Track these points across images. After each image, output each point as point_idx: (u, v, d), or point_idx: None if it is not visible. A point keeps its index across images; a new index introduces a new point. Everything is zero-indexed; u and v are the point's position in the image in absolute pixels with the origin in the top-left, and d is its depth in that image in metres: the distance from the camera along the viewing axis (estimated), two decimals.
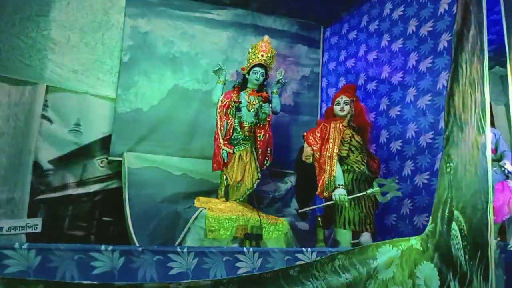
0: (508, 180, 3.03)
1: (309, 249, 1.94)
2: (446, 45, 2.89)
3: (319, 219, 2.97)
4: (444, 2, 2.96)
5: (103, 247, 1.65)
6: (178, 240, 2.83)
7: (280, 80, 3.39)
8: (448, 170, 2.05)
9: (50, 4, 3.56)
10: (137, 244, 2.95)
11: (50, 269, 1.54)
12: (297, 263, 1.88)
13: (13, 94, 3.34)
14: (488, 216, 1.82)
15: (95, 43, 3.70)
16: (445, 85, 2.78)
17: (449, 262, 1.91)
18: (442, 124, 2.74)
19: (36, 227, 3.33)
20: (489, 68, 2.00)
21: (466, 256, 1.85)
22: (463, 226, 1.90)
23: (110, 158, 3.61)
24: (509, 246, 2.29)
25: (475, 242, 1.83)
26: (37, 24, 3.48)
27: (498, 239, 2.61)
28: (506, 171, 3.05)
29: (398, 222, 3.05)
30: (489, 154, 1.90)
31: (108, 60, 3.73)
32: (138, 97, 3.75)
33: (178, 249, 1.75)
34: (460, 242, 1.89)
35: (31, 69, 3.41)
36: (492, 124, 2.98)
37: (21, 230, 3.23)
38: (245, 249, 1.86)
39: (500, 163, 3.10)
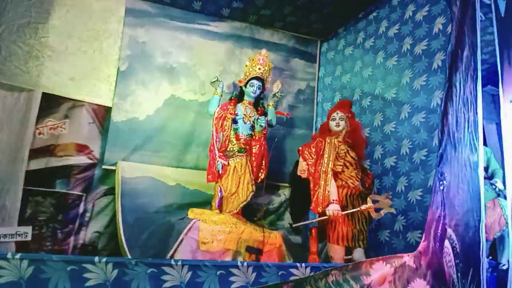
0: (499, 198, 3.07)
1: (303, 264, 1.94)
2: (440, 64, 2.94)
3: (312, 231, 2.97)
4: (439, 22, 3.02)
5: (96, 258, 1.64)
6: (171, 252, 2.81)
7: (277, 94, 3.42)
8: (441, 187, 2.08)
9: (49, 11, 3.56)
10: (129, 255, 2.92)
11: (42, 280, 1.52)
12: (291, 278, 1.88)
13: (8, 100, 3.32)
14: (481, 234, 1.84)
15: (93, 51, 3.70)
16: (439, 103, 2.83)
17: (442, 280, 1.92)
18: (436, 141, 2.77)
19: (26, 235, 3.29)
20: (481, 87, 2.04)
21: (459, 274, 1.87)
22: (455, 244, 1.92)
23: (104, 167, 3.59)
24: (501, 265, 2.31)
25: (468, 260, 1.85)
26: (35, 31, 3.49)
27: (490, 257, 2.63)
28: (497, 189, 3.09)
29: (392, 238, 3.06)
30: (481, 173, 1.93)
31: (106, 69, 3.73)
32: (134, 106, 3.76)
33: (172, 262, 1.74)
34: (453, 260, 1.91)
35: (27, 76, 3.40)
36: (484, 143, 3.03)
37: (11, 238, 3.18)
38: (239, 263, 1.86)
39: (491, 181, 3.14)
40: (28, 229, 3.31)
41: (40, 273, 1.53)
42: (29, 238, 3.28)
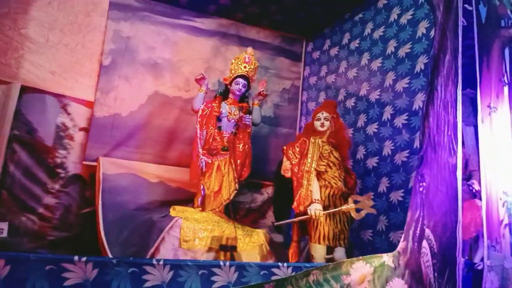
0: (475, 199, 3.15)
1: (285, 264, 1.95)
2: (422, 67, 2.99)
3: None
4: (422, 26, 3.07)
5: (76, 257, 1.60)
6: (152, 250, 2.79)
7: (262, 92, 3.43)
8: (421, 189, 2.12)
9: (29, 2, 3.47)
10: (109, 253, 2.88)
11: (19, 280, 1.48)
12: (273, 277, 1.88)
13: None
14: (457, 235, 1.88)
15: (75, 45, 3.62)
16: (421, 105, 2.89)
17: (419, 279, 1.96)
18: (417, 143, 2.83)
19: (2, 232, 3.21)
20: (461, 91, 2.08)
21: (435, 274, 1.91)
22: (433, 244, 1.96)
23: (84, 162, 3.52)
24: (476, 264, 2.37)
25: (444, 260, 1.89)
26: (15, 22, 3.39)
27: (466, 257, 2.70)
28: (473, 190, 3.17)
29: (375, 238, 3.10)
30: (459, 175, 1.97)
31: (88, 63, 3.65)
32: (117, 101, 3.69)
33: (154, 261, 1.72)
34: (430, 260, 1.94)
35: (6, 68, 3.31)
36: (462, 144, 3.10)
37: None
38: (221, 262, 1.85)
39: (468, 182, 3.22)
40: (4, 225, 3.23)
41: (17, 272, 1.49)
42: (5, 234, 3.21)
